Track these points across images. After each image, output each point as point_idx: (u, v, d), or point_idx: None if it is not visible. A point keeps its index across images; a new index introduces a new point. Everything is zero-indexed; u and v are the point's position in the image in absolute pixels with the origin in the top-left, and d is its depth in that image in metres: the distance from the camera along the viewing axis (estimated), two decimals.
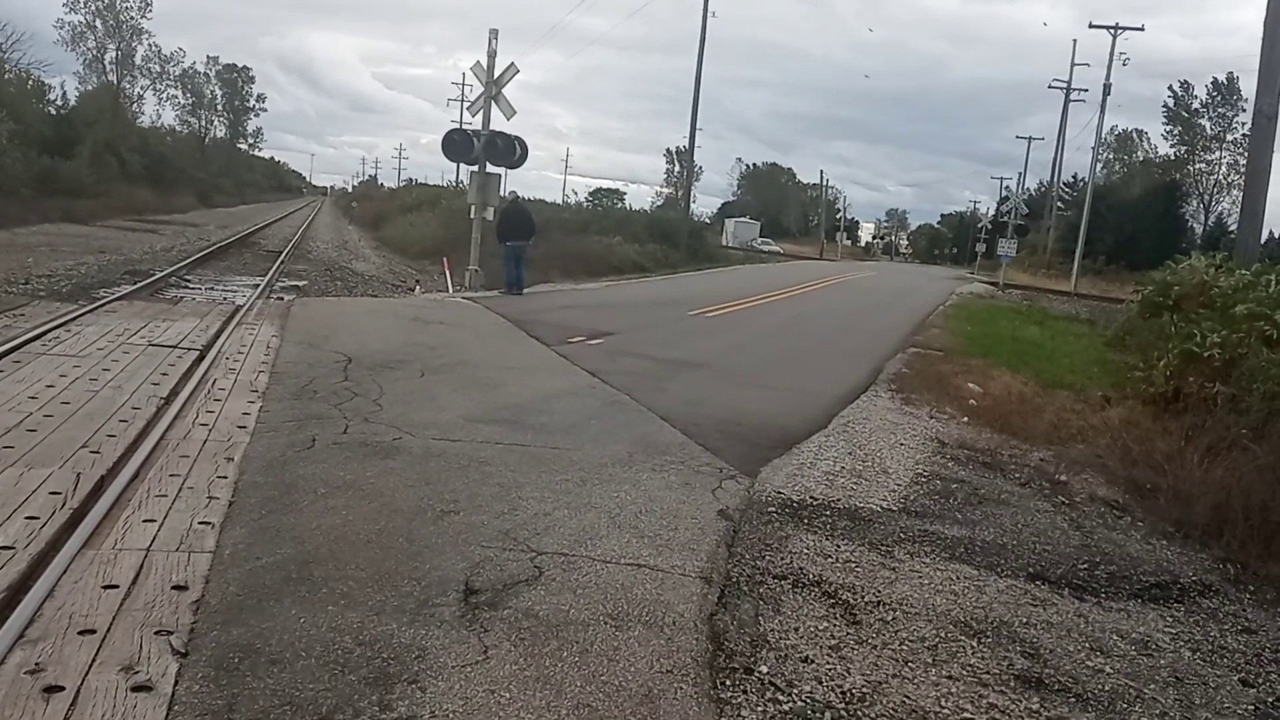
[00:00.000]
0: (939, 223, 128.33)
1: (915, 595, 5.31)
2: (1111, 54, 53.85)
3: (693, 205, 67.11)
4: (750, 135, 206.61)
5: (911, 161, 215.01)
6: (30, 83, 53.20)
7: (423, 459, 6.94)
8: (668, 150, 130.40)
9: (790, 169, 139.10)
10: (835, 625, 4.80)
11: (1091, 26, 55.10)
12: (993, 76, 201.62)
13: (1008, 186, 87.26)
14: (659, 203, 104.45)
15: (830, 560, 5.72)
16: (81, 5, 78.42)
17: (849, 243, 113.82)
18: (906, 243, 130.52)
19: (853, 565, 5.68)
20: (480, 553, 5.16)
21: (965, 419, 10.91)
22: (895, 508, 7.10)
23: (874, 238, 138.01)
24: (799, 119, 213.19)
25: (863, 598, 5.19)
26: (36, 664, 3.63)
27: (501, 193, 22.48)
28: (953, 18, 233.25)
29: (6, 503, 5.28)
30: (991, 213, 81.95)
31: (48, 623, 3.97)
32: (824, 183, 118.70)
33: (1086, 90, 63.64)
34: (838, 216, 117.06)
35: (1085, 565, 6.32)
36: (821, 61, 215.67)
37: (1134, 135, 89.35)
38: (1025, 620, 5.22)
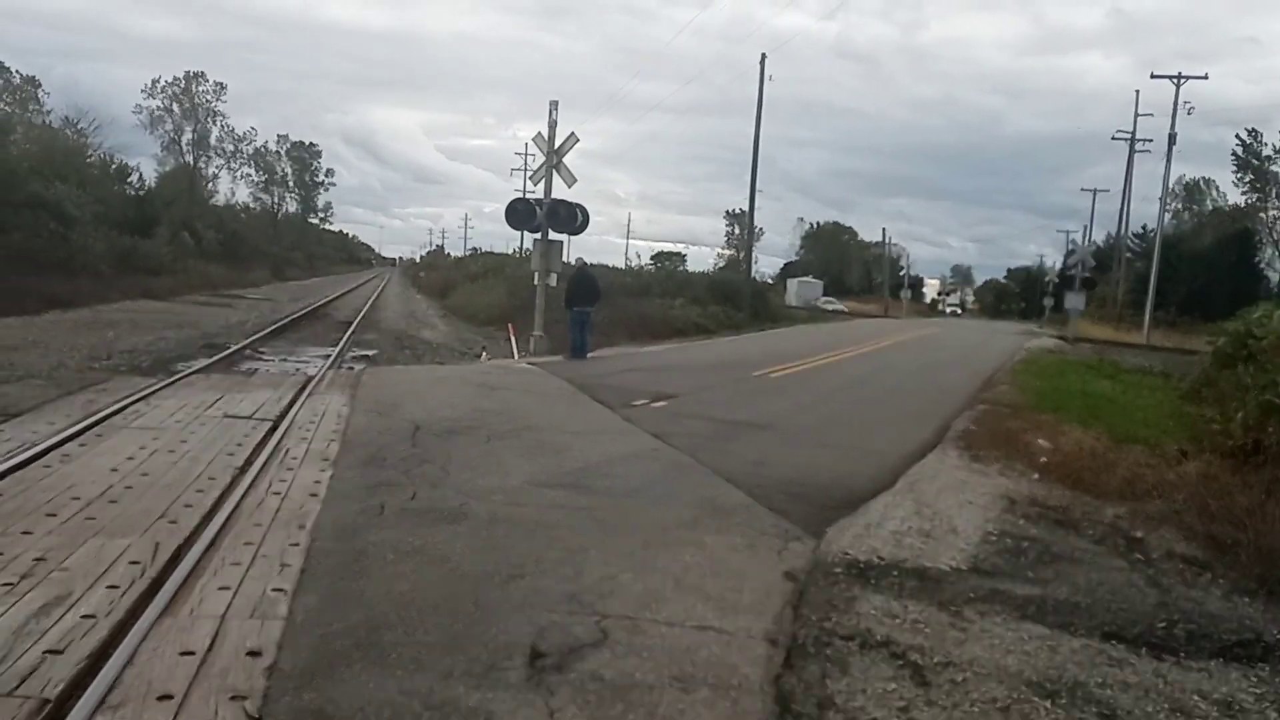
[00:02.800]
0: (1005, 277, 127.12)
1: (986, 655, 5.23)
2: (1175, 103, 53.45)
3: (754, 266, 67.32)
4: (808, 194, 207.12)
5: (972, 217, 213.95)
6: (114, 166, 55.16)
7: (489, 524, 7.01)
8: (727, 212, 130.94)
9: (851, 228, 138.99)
10: (904, 687, 4.74)
11: (1153, 77, 55.09)
12: (1049, 129, 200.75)
13: (1073, 239, 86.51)
14: (720, 264, 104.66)
15: (898, 621, 5.66)
16: (159, 91, 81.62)
17: (913, 299, 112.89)
18: (973, 298, 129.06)
19: (921, 625, 5.61)
20: (546, 617, 5.19)
21: (1036, 476, 10.74)
22: (964, 567, 7.00)
23: (939, 294, 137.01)
24: (857, 177, 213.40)
25: (932, 658, 5.12)
26: None
27: (565, 259, 22.80)
28: (1005, 72, 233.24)
29: (89, 572, 5.44)
30: (1058, 266, 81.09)
31: (128, 689, 4.07)
32: (886, 240, 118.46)
33: (1151, 140, 63.02)
34: (901, 273, 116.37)
35: (1163, 623, 6.17)
36: (876, 119, 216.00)
37: (1201, 184, 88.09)
38: (1101, 680, 5.11)
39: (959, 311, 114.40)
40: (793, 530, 7.51)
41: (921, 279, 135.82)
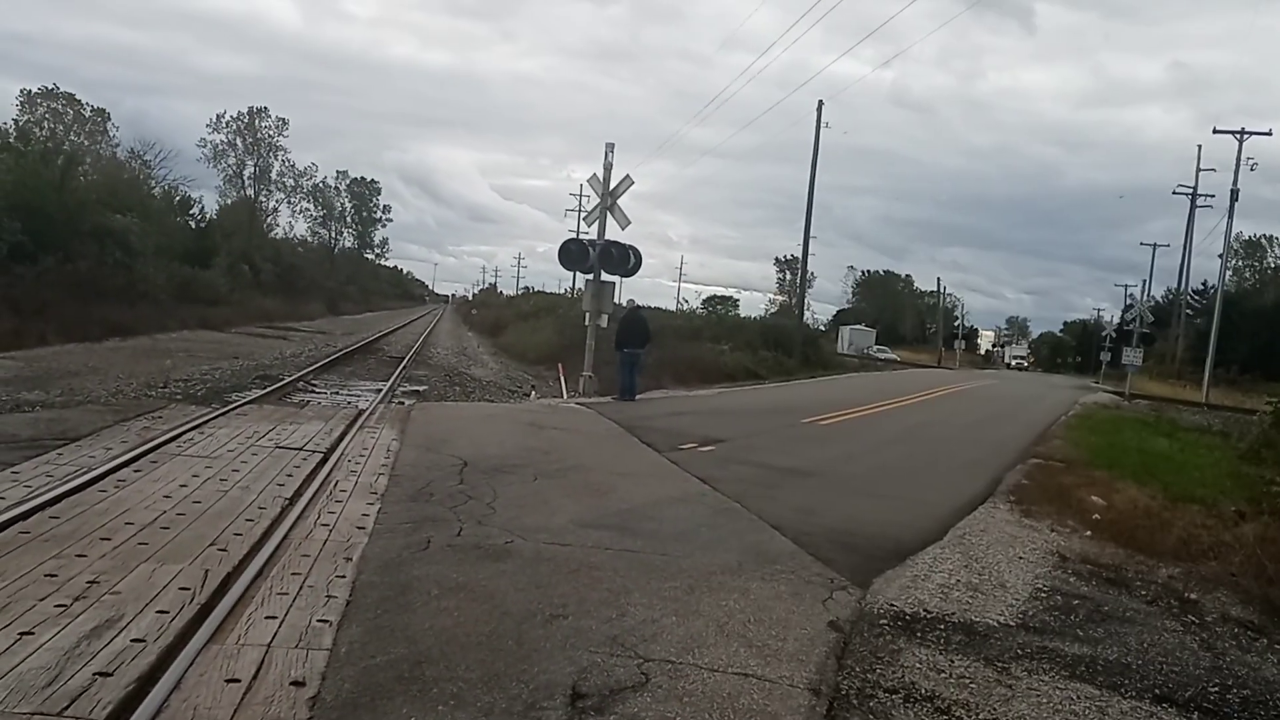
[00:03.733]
0: (1061, 331, 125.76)
1: (1032, 714, 5.14)
2: (1239, 159, 52.76)
3: (807, 312, 67.24)
4: (862, 242, 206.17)
5: (1028, 268, 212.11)
6: (177, 198, 56.35)
7: (533, 563, 7.02)
8: (779, 258, 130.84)
9: (908, 276, 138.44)
10: None
11: (1216, 132, 53.83)
12: (1107, 181, 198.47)
13: (1132, 294, 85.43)
14: (772, 310, 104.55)
15: (943, 675, 5.58)
16: (224, 125, 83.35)
17: (966, 350, 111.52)
18: (1028, 349, 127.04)
19: (967, 681, 5.53)
20: (588, 657, 5.18)
21: (1088, 533, 10.57)
22: (1013, 623, 6.90)
23: (993, 345, 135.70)
24: (910, 225, 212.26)
25: (976, 715, 5.04)
26: None
27: (617, 300, 22.88)
28: (1063, 123, 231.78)
29: (140, 597, 5.52)
30: (1116, 320, 79.97)
31: (174, 714, 4.12)
32: (940, 290, 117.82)
33: (1213, 196, 62.30)
34: (955, 324, 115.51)
35: (1216, 688, 6.03)
36: (931, 168, 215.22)
37: (1263, 241, 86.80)
38: None
39: (1024, 364, 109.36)
40: (839, 580, 7.44)
41: (976, 330, 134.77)
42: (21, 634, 4.80)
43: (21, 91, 67.62)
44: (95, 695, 4.20)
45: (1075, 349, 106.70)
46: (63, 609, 5.22)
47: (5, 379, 15.52)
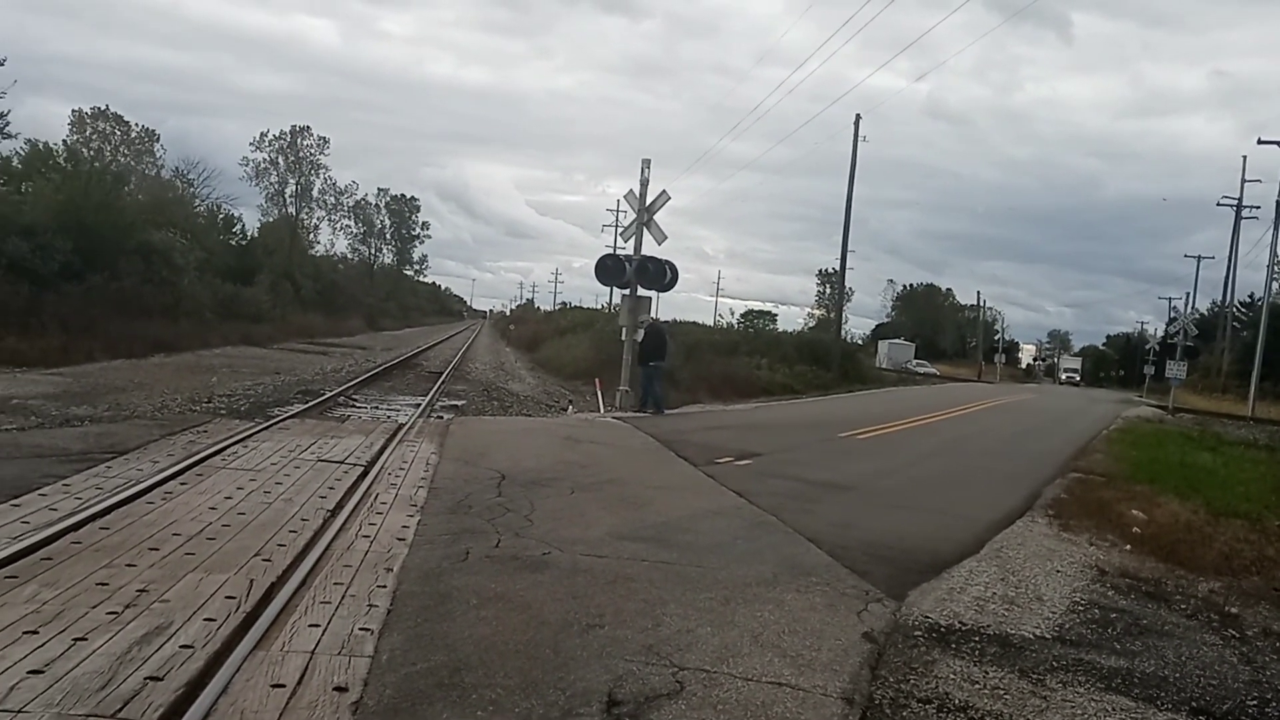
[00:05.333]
0: (1103, 344, 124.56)
1: None
2: None
3: (845, 326, 67.03)
4: (900, 255, 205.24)
5: (1069, 281, 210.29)
6: (220, 216, 57.13)
7: (570, 574, 7.12)
8: (818, 272, 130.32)
9: (949, 289, 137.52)
10: None
11: (1261, 142, 53.22)
12: (1149, 193, 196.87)
13: (1175, 306, 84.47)
14: (810, 324, 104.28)
15: (978, 686, 5.61)
16: (266, 144, 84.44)
17: (1007, 364, 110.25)
18: (1073, 365, 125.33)
19: (1001, 692, 5.55)
20: (623, 666, 5.26)
21: (1128, 547, 10.52)
22: (1049, 635, 6.90)
23: (1034, 359, 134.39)
24: (949, 238, 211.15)
25: None
26: None
27: (653, 315, 23.01)
28: (1103, 134, 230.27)
29: (188, 605, 5.67)
30: (1160, 334, 78.96)
31: (221, 717, 4.25)
32: (980, 303, 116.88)
33: (1259, 207, 61.52)
34: (995, 338, 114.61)
35: (1255, 702, 6.01)
36: (969, 180, 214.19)
37: None
38: None
39: (1076, 378, 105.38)
40: (874, 592, 7.48)
41: (1017, 343, 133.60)
42: (76, 640, 4.95)
43: (72, 112, 68.88)
44: (147, 698, 4.34)
45: (1118, 363, 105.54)
46: (114, 616, 5.38)
47: (55, 394, 15.84)
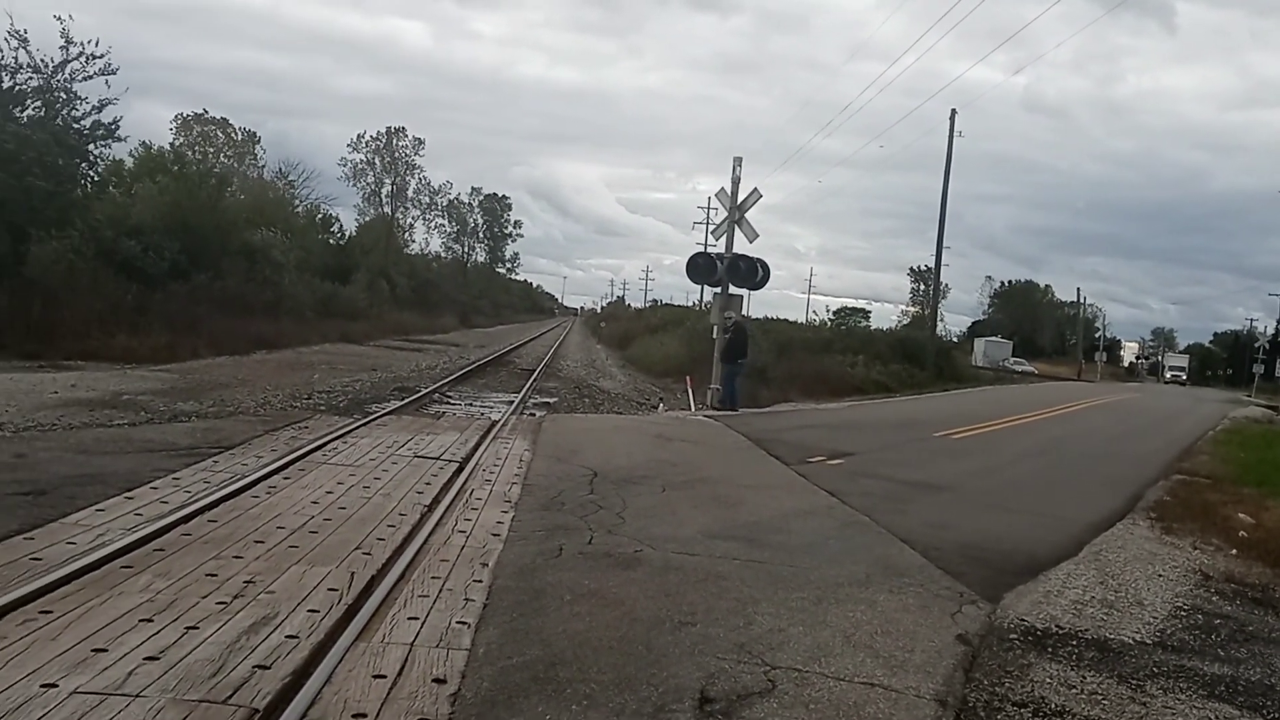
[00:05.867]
0: (1210, 342, 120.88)
1: None
2: None
3: (940, 324, 66.06)
4: (996, 251, 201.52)
5: (1174, 277, 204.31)
6: (319, 216, 58.48)
7: (662, 571, 7.18)
8: (911, 269, 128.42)
9: (1048, 286, 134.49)
10: None
11: None
12: (1258, 186, 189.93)
13: None
14: (904, 321, 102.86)
15: (1074, 691, 5.53)
16: (363, 145, 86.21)
17: (1108, 363, 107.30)
18: (1178, 364, 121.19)
19: (1099, 698, 5.47)
20: (715, 664, 5.30)
21: (1234, 551, 10.24)
22: (1149, 641, 6.77)
23: (1137, 358, 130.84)
24: (1047, 234, 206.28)
25: None
26: None
27: (744, 313, 22.99)
28: (1209, 126, 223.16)
29: (293, 596, 5.86)
30: (1270, 331, 76.32)
31: (326, 705, 4.39)
32: (1080, 300, 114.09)
33: None
34: (1096, 335, 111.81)
35: None
36: (1068, 174, 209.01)
37: None
38: None
39: (1182, 377, 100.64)
40: (968, 594, 7.40)
41: (1119, 341, 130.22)
42: (188, 628, 5.16)
43: (176, 117, 71.06)
44: (255, 686, 4.50)
45: (1226, 361, 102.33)
46: (223, 606, 5.58)
47: (163, 391, 16.39)
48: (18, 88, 25.84)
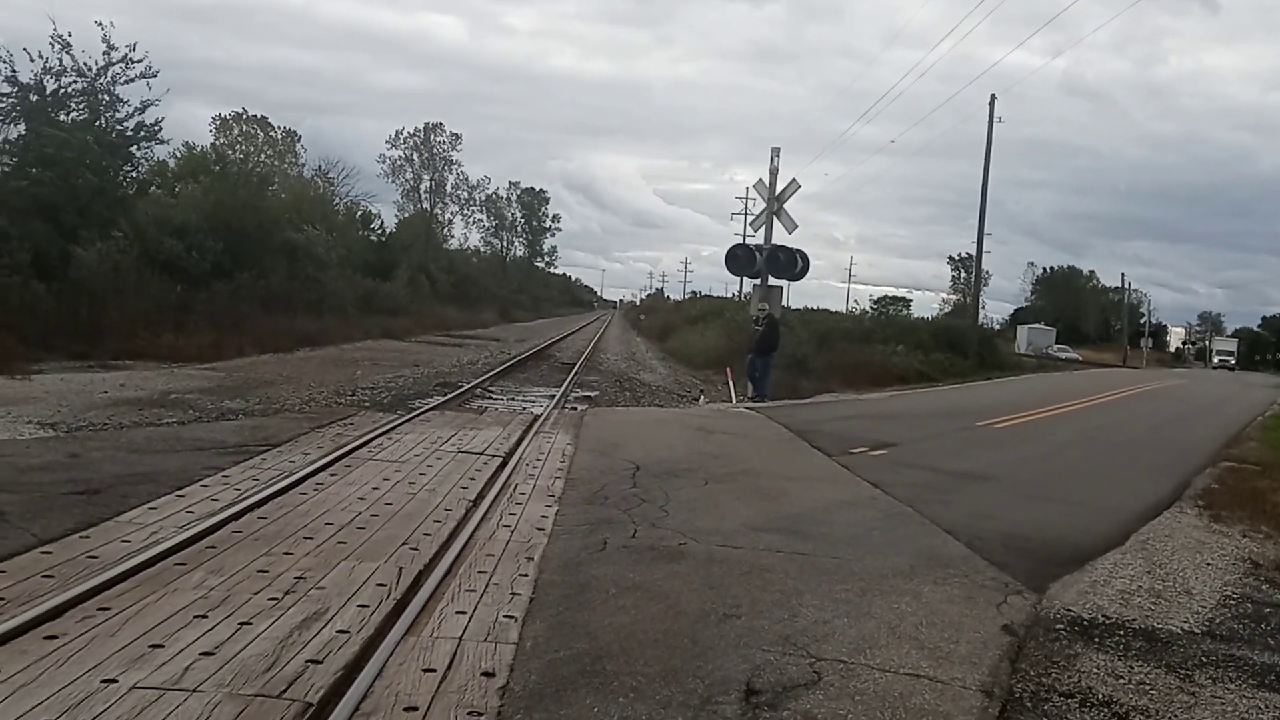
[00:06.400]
0: (1259, 326, 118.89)
1: None
2: None
3: (982, 311, 65.43)
4: (1038, 238, 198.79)
5: (1220, 261, 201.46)
6: (359, 212, 58.91)
7: (706, 564, 7.21)
8: (951, 257, 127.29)
9: (1093, 272, 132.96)
10: None
11: None
12: None
13: None
14: (946, 309, 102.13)
15: (1122, 681, 5.51)
16: (401, 141, 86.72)
17: (1154, 348, 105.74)
18: (1225, 348, 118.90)
19: (1147, 687, 5.44)
20: (761, 656, 5.33)
21: None
22: (1198, 630, 6.72)
23: (1184, 343, 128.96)
24: (1089, 219, 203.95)
25: None
26: None
27: (784, 303, 22.94)
28: (1254, 107, 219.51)
29: (343, 592, 5.96)
30: None
31: (378, 699, 4.47)
32: (1125, 286, 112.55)
33: None
34: (1141, 321, 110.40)
35: None
36: (1110, 159, 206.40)
37: None
38: None
39: (1230, 362, 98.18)
40: (1014, 584, 7.38)
41: (1166, 326, 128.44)
42: (241, 624, 5.26)
43: (215, 117, 71.80)
44: (309, 680, 4.59)
45: (1275, 345, 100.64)
46: (275, 601, 5.69)
47: (209, 389, 16.62)
48: (62, 91, 26.30)
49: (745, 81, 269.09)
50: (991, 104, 48.91)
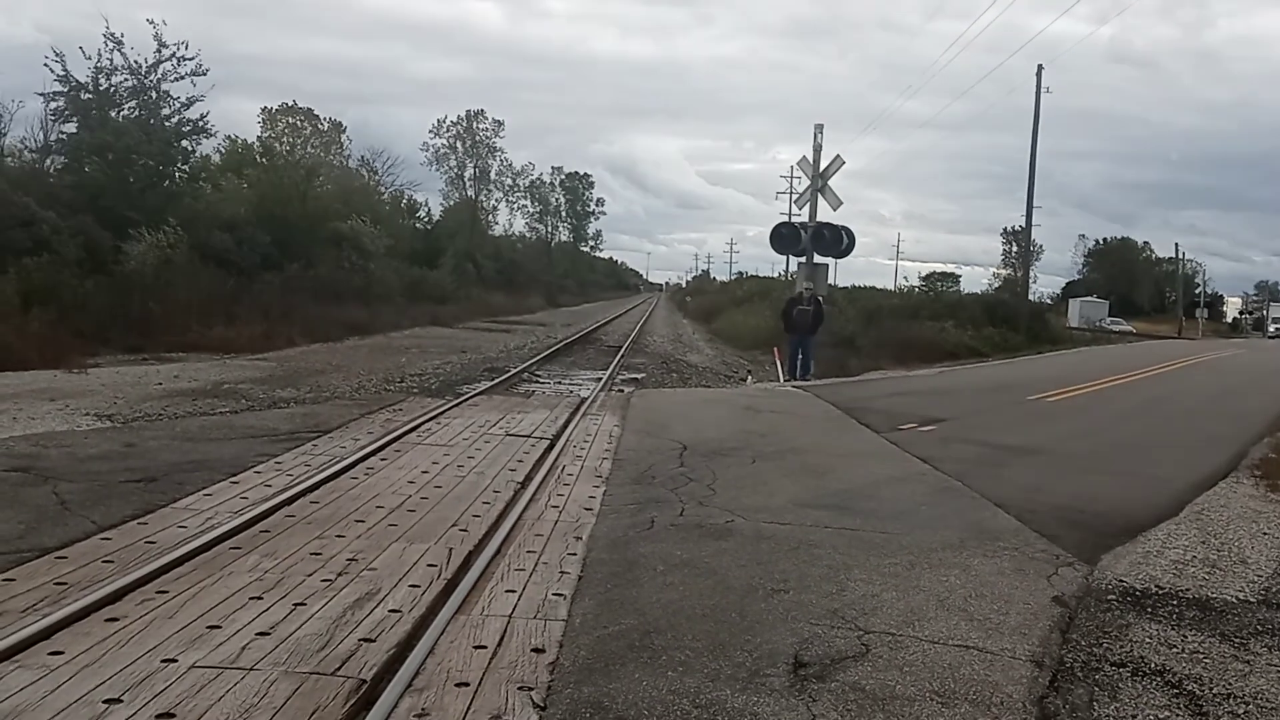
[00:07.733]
0: None
1: (1272, 689, 4.96)
2: None
3: (1033, 285, 64.66)
4: (1088, 209, 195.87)
5: (1277, 228, 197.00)
6: (404, 202, 59.32)
7: (754, 541, 7.23)
8: (1005, 229, 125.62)
9: (1146, 243, 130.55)
10: (1178, 715, 4.60)
11: None
12: None
13: None
14: (996, 284, 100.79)
15: (1175, 650, 5.46)
16: (444, 129, 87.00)
17: (1209, 319, 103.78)
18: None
19: (1200, 656, 5.39)
20: (809, 629, 5.35)
21: None
22: (1254, 599, 6.63)
23: (1241, 313, 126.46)
24: (1141, 189, 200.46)
25: (1210, 689, 4.92)
26: (423, 709, 4.19)
27: (831, 281, 22.81)
28: None
29: (394, 572, 6.05)
30: None
31: (430, 675, 4.54)
32: (1179, 256, 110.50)
33: None
34: (1196, 291, 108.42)
35: None
36: (1160, 127, 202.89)
37: None
38: None
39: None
40: (1064, 556, 7.32)
41: (1222, 297, 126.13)
42: (295, 605, 5.36)
43: (262, 110, 72.40)
44: (362, 658, 4.67)
45: None
46: (328, 583, 5.79)
47: (261, 379, 16.86)
48: (114, 89, 26.74)
49: (786, 58, 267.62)
50: (1039, 74, 48.28)
